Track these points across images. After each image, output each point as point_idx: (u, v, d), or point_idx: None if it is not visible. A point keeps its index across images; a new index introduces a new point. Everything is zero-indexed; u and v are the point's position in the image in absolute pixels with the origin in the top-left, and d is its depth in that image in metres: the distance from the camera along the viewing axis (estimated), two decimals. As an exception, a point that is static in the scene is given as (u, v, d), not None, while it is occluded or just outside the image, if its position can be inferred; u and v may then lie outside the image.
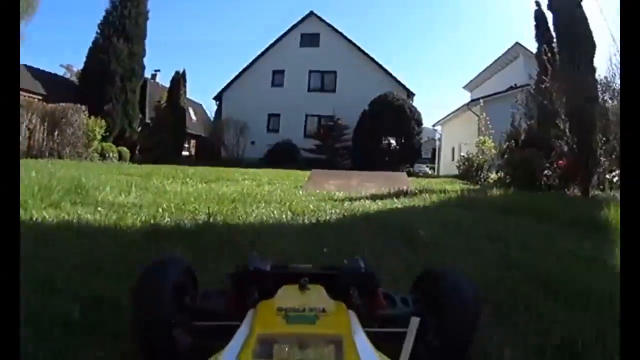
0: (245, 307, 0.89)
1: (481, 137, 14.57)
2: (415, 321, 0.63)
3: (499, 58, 23.66)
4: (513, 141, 11.14)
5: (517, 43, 22.45)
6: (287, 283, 0.96)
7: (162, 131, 21.73)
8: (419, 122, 20.05)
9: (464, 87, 27.82)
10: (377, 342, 0.72)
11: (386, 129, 18.65)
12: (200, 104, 30.56)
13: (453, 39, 49.83)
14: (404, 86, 21.12)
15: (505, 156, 10.94)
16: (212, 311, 1.04)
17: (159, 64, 52.20)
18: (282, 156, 19.56)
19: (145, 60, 20.75)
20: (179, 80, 25.28)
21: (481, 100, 20.80)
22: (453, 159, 24.43)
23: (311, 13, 23.11)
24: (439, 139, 27.32)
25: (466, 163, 14.14)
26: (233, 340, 0.68)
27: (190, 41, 59.72)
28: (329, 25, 22.76)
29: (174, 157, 20.48)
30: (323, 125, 20.76)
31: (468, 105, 21.01)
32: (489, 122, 15.01)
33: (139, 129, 21.13)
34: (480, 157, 13.68)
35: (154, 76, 27.95)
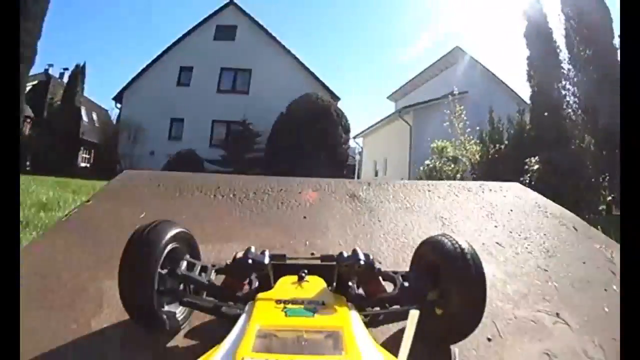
0: (242, 298, 0.90)
1: (456, 139, 11.46)
2: (414, 314, 0.56)
3: (432, 65, 21.34)
4: (496, 145, 9.48)
5: (457, 47, 20.26)
6: (286, 275, 0.96)
7: (52, 135, 17.87)
8: (347, 129, 16.96)
9: (388, 98, 25.33)
10: (377, 325, 0.84)
11: (307, 136, 15.46)
12: (104, 108, 26.36)
13: (377, 44, 46.91)
14: (328, 89, 17.98)
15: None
16: (208, 286, 0.97)
17: (52, 57, 42.60)
18: (182, 169, 15.86)
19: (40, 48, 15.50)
20: (76, 75, 21.21)
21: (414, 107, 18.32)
22: (376, 175, 21.82)
23: (230, 2, 19.82)
24: (359, 153, 24.47)
25: (430, 175, 10.81)
26: (231, 333, 0.68)
27: (92, 31, 47.24)
28: (248, 16, 19.51)
29: (67, 167, 16.80)
30: (231, 131, 17.23)
31: (399, 113, 18.35)
32: (463, 117, 11.76)
33: (28, 130, 17.24)
34: (452, 166, 10.68)
35: (46, 70, 23.53)
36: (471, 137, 10.62)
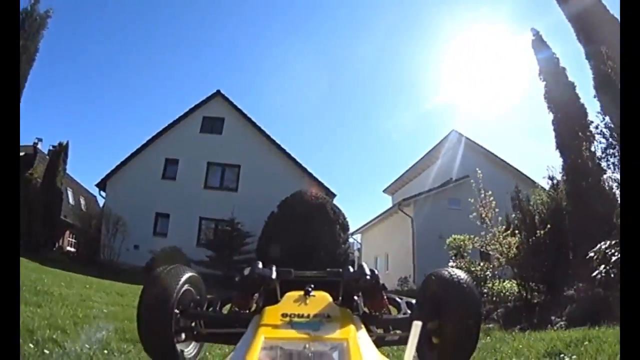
0: (250, 312, 0.98)
1: (486, 232, 8.88)
2: (417, 325, 0.59)
3: (428, 153, 20.84)
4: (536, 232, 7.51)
5: (453, 131, 19.90)
6: (292, 289, 1.00)
7: (30, 214, 16.44)
8: (345, 227, 15.85)
9: (384, 191, 24.80)
10: (381, 346, 0.83)
11: (302, 237, 14.26)
12: (93, 194, 25.24)
13: (371, 137, 45.94)
14: (323, 185, 17.21)
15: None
16: (217, 317, 1.09)
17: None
18: None
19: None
20: (58, 154, 20.14)
21: (417, 197, 17.50)
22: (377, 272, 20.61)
23: (217, 93, 19.37)
24: (358, 250, 23.38)
25: None
26: (239, 345, 0.69)
27: (80, 112, 42.59)
28: (235, 107, 19.00)
29: (46, 250, 15.75)
30: (219, 231, 16.06)
31: (399, 206, 17.55)
32: (488, 201, 9.29)
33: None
34: (482, 264, 8.82)
35: (35, 144, 22.67)
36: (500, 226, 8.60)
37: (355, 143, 47.24)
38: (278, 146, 18.27)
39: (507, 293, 7.72)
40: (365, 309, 0.98)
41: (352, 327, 0.76)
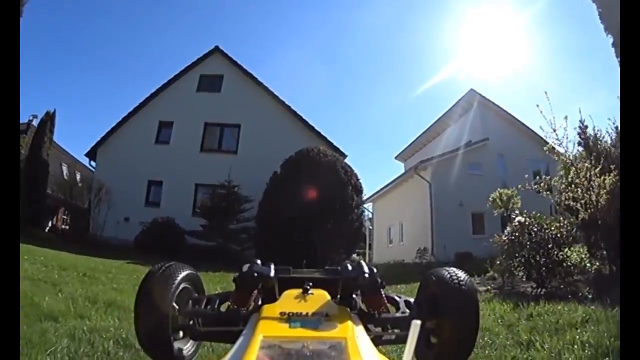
0: (249, 311, 0.94)
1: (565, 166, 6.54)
2: (416, 324, 0.58)
3: (445, 113, 18.95)
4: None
5: (471, 90, 17.99)
6: (291, 288, 0.97)
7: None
8: (359, 189, 13.97)
9: (396, 158, 23.03)
10: (379, 344, 0.83)
11: (308, 200, 12.32)
12: (91, 169, 23.62)
13: (380, 93, 43.09)
14: (332, 144, 15.31)
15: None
16: (215, 315, 1.05)
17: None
18: (159, 241, 13.00)
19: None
20: (45, 123, 18.68)
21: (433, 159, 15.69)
22: (390, 243, 18.94)
23: (216, 49, 17.65)
24: (370, 220, 21.51)
25: (520, 237, 6.21)
26: (237, 344, 0.68)
27: (66, 78, 38.12)
28: (236, 64, 17.27)
29: (32, 228, 13.89)
30: (213, 195, 14.28)
31: (416, 169, 15.75)
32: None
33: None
34: (555, 225, 5.99)
35: (29, 122, 21.11)
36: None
37: (362, 108, 45.01)
38: (282, 103, 16.48)
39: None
40: (364, 307, 0.95)
41: (350, 325, 0.75)
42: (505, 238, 6.37)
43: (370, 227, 20.81)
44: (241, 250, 13.37)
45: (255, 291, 0.98)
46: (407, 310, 1.03)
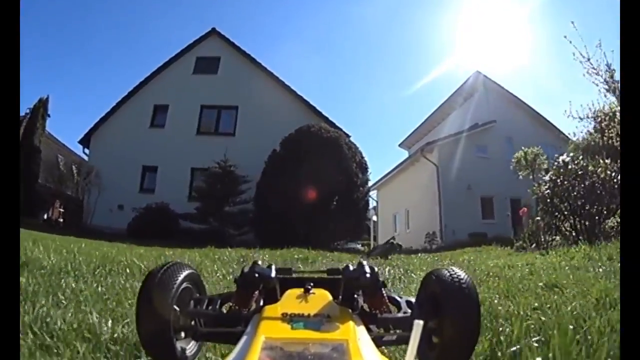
0: (250, 312, 0.93)
1: None
2: (418, 325, 0.57)
3: (450, 96, 18.26)
4: None
5: (477, 72, 17.33)
6: (292, 288, 0.98)
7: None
8: (364, 167, 13.25)
9: (400, 145, 22.28)
10: (380, 345, 0.79)
11: (310, 178, 11.56)
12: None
13: (385, 81, 42.07)
14: (333, 124, 14.55)
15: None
16: (216, 316, 1.05)
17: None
18: (152, 227, 12.39)
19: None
20: (38, 109, 18.10)
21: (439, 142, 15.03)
22: (396, 231, 18.16)
23: (212, 31, 17.07)
24: (374, 208, 20.71)
25: (566, 182, 5.52)
26: (238, 345, 0.68)
27: (60, 64, 36.34)
28: (233, 45, 16.66)
29: (23, 220, 12.99)
30: (208, 176, 13.60)
31: (422, 152, 15.06)
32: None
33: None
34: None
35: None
36: None
37: (363, 97, 44.04)
38: (281, 82, 15.84)
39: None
40: (365, 308, 0.93)
41: (352, 326, 0.75)
42: (546, 187, 5.63)
43: (375, 219, 19.99)
44: (238, 235, 12.68)
45: (257, 292, 0.98)
46: (409, 310, 1.03)
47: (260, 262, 0.98)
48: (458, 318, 0.90)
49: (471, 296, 0.93)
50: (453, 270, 0.97)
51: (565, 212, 5.42)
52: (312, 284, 0.95)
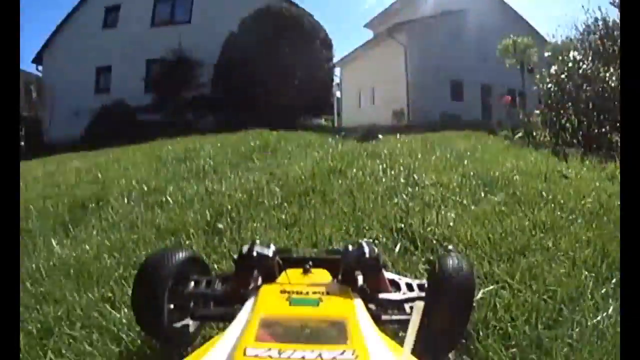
0: (249, 290, 0.90)
1: None
2: (419, 306, 0.57)
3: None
4: None
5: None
6: (291, 268, 0.97)
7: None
8: (328, 44, 12.88)
9: (365, 26, 21.22)
10: (379, 325, 0.74)
11: (271, 58, 11.12)
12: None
13: None
14: (295, 4, 13.60)
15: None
16: (215, 296, 1.06)
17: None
18: (111, 127, 11.56)
19: None
20: None
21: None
22: (360, 106, 17.91)
23: None
24: (338, 84, 20.24)
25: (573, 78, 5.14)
26: (235, 322, 0.67)
27: None
28: None
29: None
30: (162, 64, 12.93)
31: (390, 31, 14.47)
32: None
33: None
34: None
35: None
36: None
37: None
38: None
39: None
40: (365, 288, 0.89)
41: (351, 304, 0.75)
42: (550, 82, 4.89)
43: (339, 96, 19.62)
44: (199, 118, 12.08)
45: (255, 271, 0.94)
46: (408, 292, 1.04)
47: (258, 242, 0.97)
48: (454, 299, 0.93)
49: (467, 281, 0.96)
50: (453, 255, 1.01)
51: (573, 116, 4.74)
52: (311, 263, 0.95)
